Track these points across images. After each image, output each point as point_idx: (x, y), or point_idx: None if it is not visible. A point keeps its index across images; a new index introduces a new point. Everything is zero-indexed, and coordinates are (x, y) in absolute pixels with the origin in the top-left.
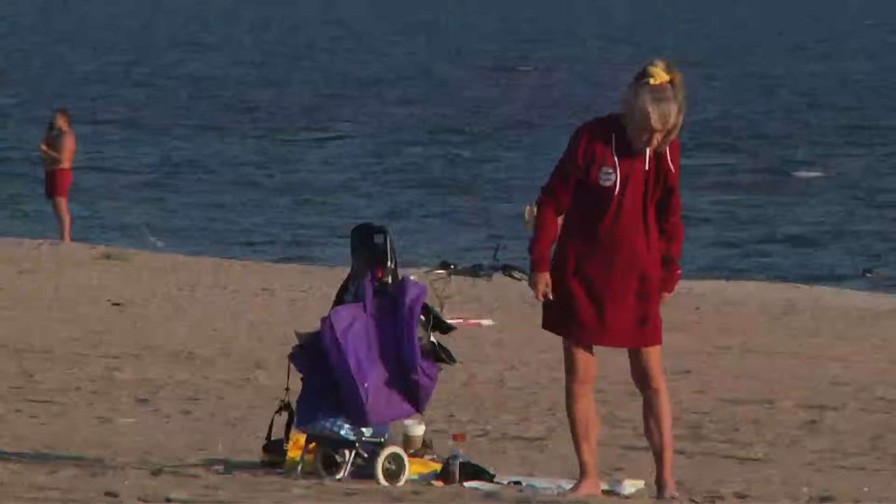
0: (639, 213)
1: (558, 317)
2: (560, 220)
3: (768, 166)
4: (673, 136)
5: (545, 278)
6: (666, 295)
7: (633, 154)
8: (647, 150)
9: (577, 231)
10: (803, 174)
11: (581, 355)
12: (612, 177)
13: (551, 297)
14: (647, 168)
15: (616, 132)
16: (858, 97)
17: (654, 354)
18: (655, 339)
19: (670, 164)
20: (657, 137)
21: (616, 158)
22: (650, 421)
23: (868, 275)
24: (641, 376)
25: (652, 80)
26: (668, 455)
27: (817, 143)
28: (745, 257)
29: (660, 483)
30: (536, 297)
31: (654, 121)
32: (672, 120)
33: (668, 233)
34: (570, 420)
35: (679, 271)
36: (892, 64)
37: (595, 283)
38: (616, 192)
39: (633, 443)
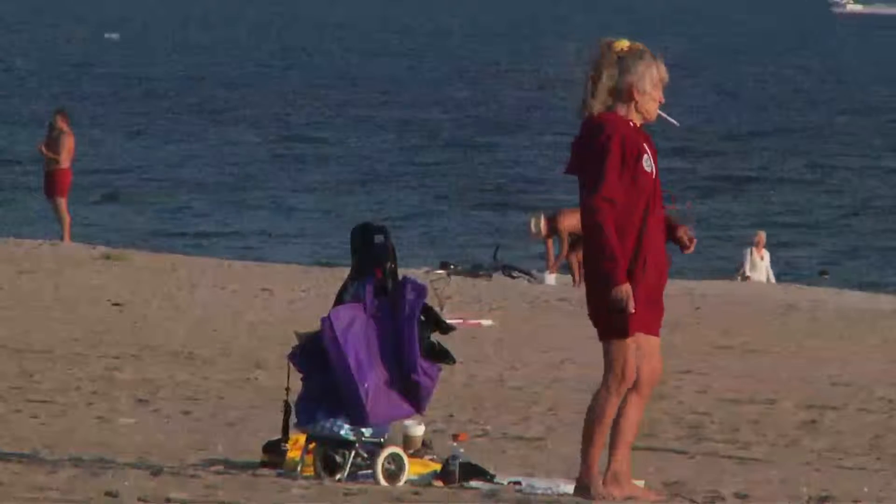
0: (660, 195)
1: (633, 317)
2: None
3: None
4: None
5: (629, 289)
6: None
7: (646, 139)
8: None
9: (634, 226)
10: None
11: (633, 358)
12: (650, 162)
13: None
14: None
15: (631, 120)
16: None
17: None
18: None
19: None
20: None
21: (645, 144)
22: (632, 417)
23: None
24: (656, 369)
25: (633, 45)
26: None
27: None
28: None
29: (624, 473)
30: (629, 309)
31: (663, 70)
32: None
33: None
34: (601, 425)
35: None
36: None
37: (659, 273)
38: (654, 177)
39: (635, 443)
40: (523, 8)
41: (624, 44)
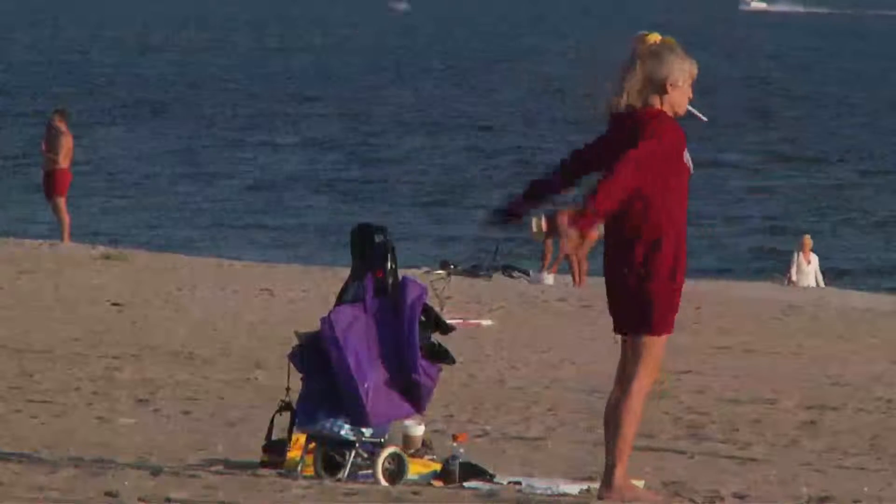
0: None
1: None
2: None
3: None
4: None
5: None
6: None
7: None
8: None
9: (678, 220)
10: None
11: None
12: (689, 158)
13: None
14: None
15: (676, 113)
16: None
17: None
18: None
19: None
20: None
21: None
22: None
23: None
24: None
25: (665, 39)
26: None
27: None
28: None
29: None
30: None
31: (694, 65)
32: None
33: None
34: (635, 422)
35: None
36: None
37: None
38: (690, 173)
39: (635, 443)
40: (523, 8)
41: (656, 37)
